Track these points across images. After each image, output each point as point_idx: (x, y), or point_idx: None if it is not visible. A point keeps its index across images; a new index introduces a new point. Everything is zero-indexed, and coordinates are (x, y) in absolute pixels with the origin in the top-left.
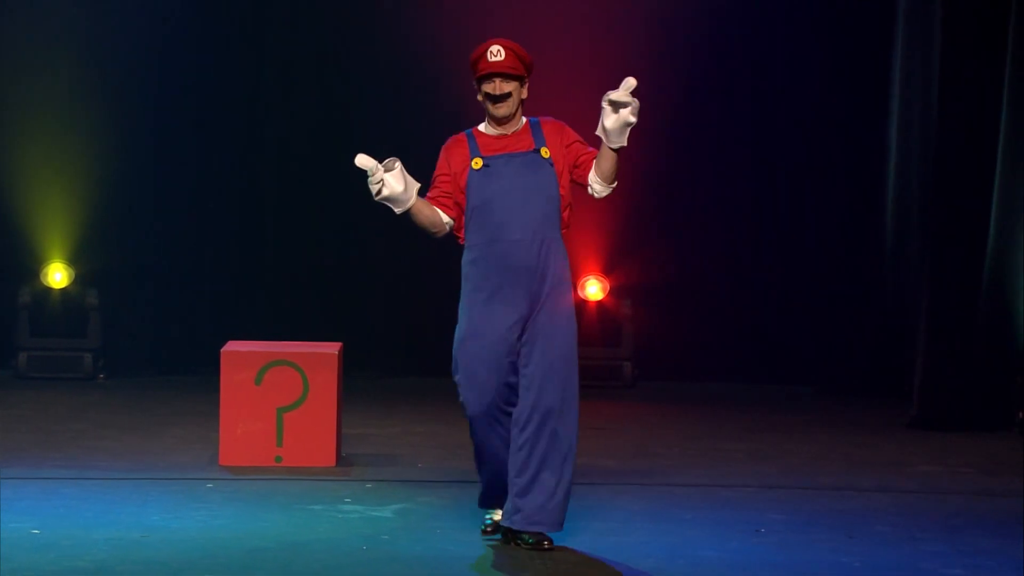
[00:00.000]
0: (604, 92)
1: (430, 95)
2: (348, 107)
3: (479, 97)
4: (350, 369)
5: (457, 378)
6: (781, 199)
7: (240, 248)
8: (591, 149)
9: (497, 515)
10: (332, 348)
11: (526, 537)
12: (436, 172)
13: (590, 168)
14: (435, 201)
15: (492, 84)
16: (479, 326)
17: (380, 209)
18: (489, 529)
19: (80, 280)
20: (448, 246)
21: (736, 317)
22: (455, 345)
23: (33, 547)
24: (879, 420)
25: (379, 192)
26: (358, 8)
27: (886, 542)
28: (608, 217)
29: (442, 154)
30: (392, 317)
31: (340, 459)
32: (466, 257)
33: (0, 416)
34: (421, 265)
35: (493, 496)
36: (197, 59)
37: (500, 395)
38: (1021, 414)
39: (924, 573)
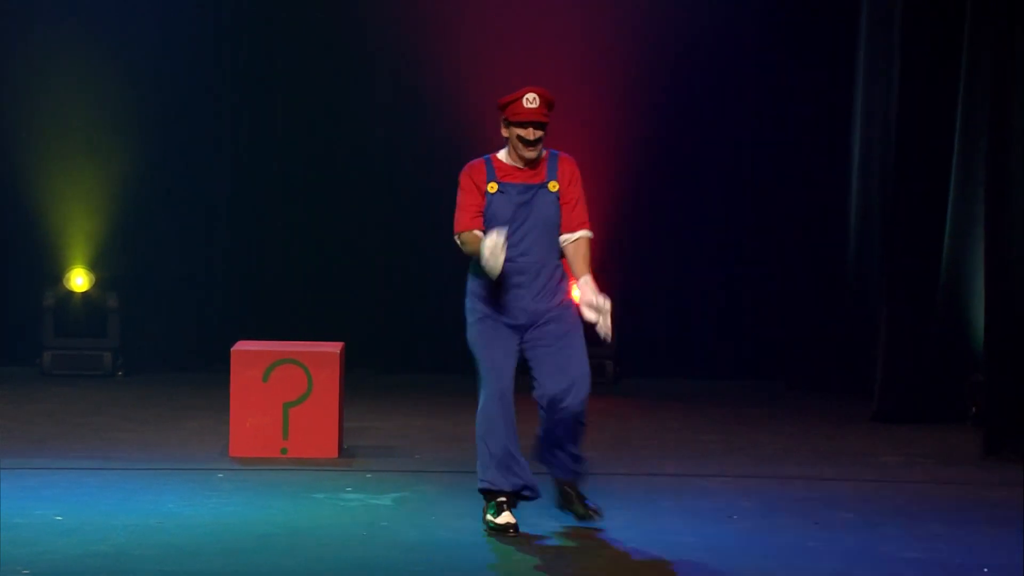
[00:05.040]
0: (592, 111)
1: (430, 99)
2: (350, 115)
3: (505, 133)
4: (351, 367)
5: (478, 360)
6: (753, 208)
7: (249, 254)
8: (578, 212)
9: (502, 518)
10: (334, 347)
11: (579, 509)
12: (465, 195)
13: (563, 230)
14: (475, 222)
15: (527, 130)
16: (492, 320)
17: (380, 218)
18: (512, 532)
19: (100, 284)
20: (444, 252)
21: (711, 319)
22: (471, 330)
23: (57, 532)
24: (844, 414)
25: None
26: (362, 19)
27: (849, 528)
28: (593, 229)
29: (465, 179)
30: (390, 319)
31: (342, 451)
32: (474, 260)
33: (27, 411)
34: (418, 270)
35: (499, 475)
36: (206, 76)
37: (512, 378)
38: (974, 408)
39: (884, 556)
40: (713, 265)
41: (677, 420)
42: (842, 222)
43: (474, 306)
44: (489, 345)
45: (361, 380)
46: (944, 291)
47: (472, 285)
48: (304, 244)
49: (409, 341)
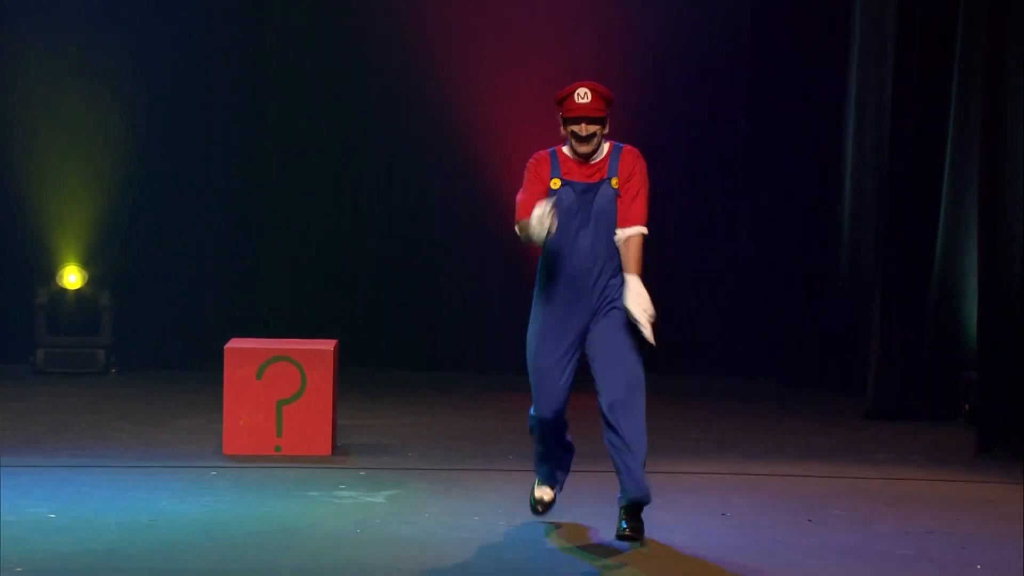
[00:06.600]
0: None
1: (426, 97)
2: (345, 112)
3: (562, 131)
4: (345, 364)
5: (532, 385)
6: (746, 206)
7: (242, 252)
8: (635, 208)
9: (542, 492)
10: (328, 345)
11: (622, 524)
12: (529, 186)
13: (618, 224)
14: None
15: (579, 126)
16: (550, 335)
17: (374, 215)
18: (540, 509)
19: (93, 282)
20: (438, 251)
21: (704, 317)
22: (529, 352)
23: (50, 530)
24: (836, 411)
25: (543, 227)
26: (359, 16)
27: (842, 524)
28: None
29: (531, 169)
30: (384, 316)
31: (335, 448)
32: (540, 262)
33: (19, 408)
34: (412, 267)
35: (547, 476)
36: (199, 72)
37: (565, 399)
38: (966, 406)
39: (877, 553)
40: (705, 263)
41: (669, 418)
42: (835, 220)
43: (536, 311)
44: (540, 357)
45: (354, 378)
46: (937, 288)
47: (538, 285)
48: (298, 242)
49: (403, 339)
